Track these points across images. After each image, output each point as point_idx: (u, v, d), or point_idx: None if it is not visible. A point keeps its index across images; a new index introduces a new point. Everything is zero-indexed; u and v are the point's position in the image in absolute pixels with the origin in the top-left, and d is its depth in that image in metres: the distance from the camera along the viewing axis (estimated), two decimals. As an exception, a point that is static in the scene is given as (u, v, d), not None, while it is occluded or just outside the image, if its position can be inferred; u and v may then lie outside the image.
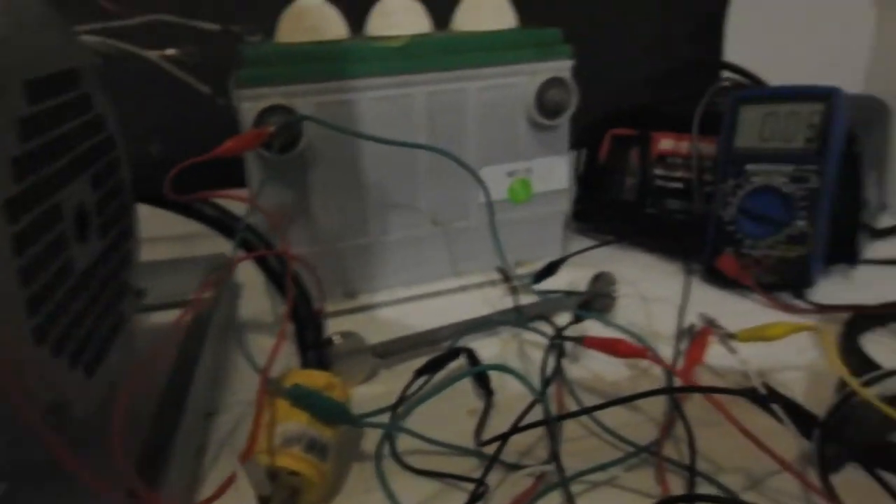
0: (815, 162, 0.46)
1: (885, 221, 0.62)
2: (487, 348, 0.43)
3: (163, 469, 0.29)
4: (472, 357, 0.40)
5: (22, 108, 0.24)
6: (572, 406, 0.37)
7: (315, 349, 0.36)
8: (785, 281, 0.48)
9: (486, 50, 0.47)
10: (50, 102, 0.26)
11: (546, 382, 0.35)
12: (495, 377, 0.39)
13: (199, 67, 0.57)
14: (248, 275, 0.46)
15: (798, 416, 0.33)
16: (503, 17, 0.48)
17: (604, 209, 0.60)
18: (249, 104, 0.42)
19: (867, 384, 0.32)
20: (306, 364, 0.35)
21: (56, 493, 0.30)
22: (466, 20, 0.49)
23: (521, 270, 0.54)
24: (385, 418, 0.36)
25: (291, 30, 0.46)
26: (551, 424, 0.32)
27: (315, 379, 0.33)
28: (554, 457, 0.31)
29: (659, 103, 0.59)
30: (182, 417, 0.33)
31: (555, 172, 0.52)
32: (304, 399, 0.31)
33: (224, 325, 0.47)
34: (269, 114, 0.42)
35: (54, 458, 0.21)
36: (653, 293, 0.51)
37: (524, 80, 0.48)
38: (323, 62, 0.44)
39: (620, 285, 0.52)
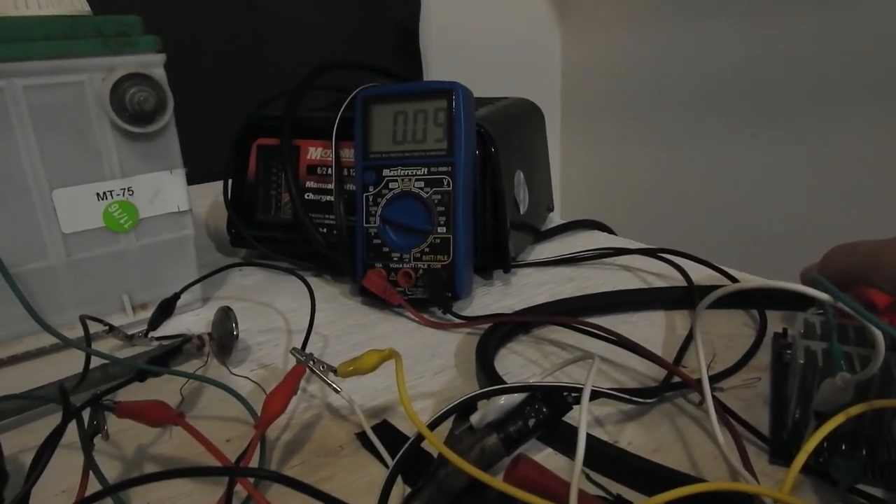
0: (447, 164, 0.43)
1: (555, 223, 0.64)
2: (38, 432, 0.32)
3: None
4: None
5: None
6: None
7: None
8: (433, 294, 0.44)
9: (18, 40, 0.36)
10: None
11: (33, 478, 0.25)
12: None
13: None
14: None
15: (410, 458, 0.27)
16: (62, 2, 0.38)
17: (262, 231, 0.53)
18: None
19: (466, 413, 0.27)
20: None
21: None
22: (5, 3, 0.38)
23: (142, 315, 0.44)
24: None
25: None
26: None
27: None
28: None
29: (310, 110, 0.53)
30: None
31: (169, 190, 0.43)
32: None
33: None
34: None
35: None
36: (302, 324, 0.44)
37: (96, 77, 0.39)
38: None
39: (270, 319, 0.45)
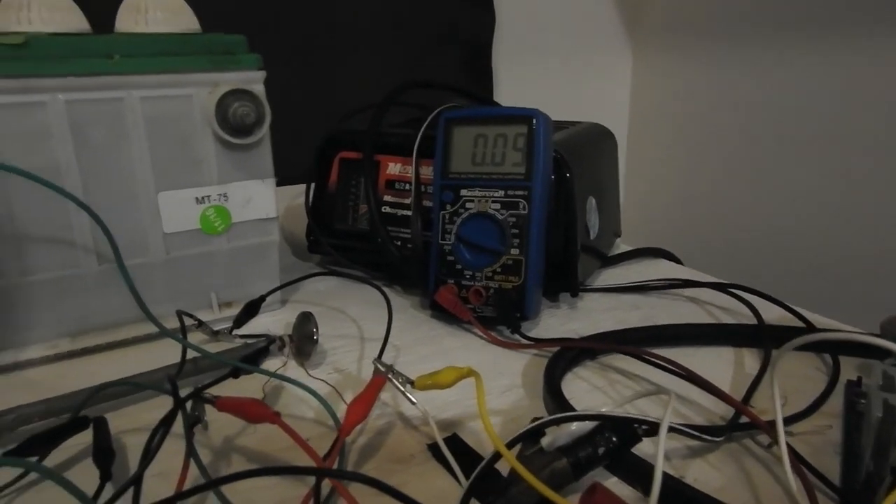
0: (524, 188, 0.45)
1: (621, 249, 0.64)
2: (136, 416, 0.35)
3: None
4: (101, 428, 0.31)
5: None
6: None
7: None
8: (502, 314, 0.45)
9: (143, 55, 0.40)
10: None
11: (145, 462, 0.28)
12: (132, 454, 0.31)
13: None
14: None
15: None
16: (176, 20, 0.42)
17: (338, 240, 0.55)
18: None
19: (536, 435, 0.28)
20: None
21: None
22: (126, 20, 0.41)
23: (227, 313, 0.47)
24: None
25: None
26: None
27: None
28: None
29: (390, 126, 0.56)
30: None
31: (259, 198, 0.46)
32: None
33: None
34: None
35: None
36: (375, 333, 0.46)
37: (203, 91, 0.42)
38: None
39: (342, 325, 0.47)
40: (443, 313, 0.47)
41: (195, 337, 0.45)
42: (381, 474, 0.31)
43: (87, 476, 0.28)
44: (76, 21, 0.41)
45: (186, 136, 0.42)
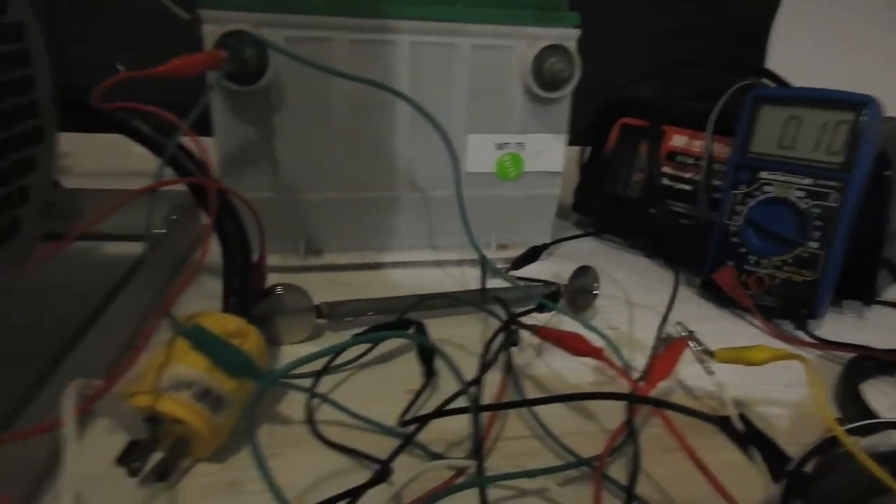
0: (838, 179, 0.41)
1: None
2: (444, 328, 0.40)
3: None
4: (420, 331, 0.36)
5: None
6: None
7: (240, 296, 0.32)
8: (787, 308, 0.43)
9: (481, 6, 0.43)
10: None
11: (484, 368, 0.31)
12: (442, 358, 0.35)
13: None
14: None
15: (773, 457, 0.28)
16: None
17: (605, 204, 0.56)
18: (212, 27, 0.39)
19: (855, 433, 0.27)
20: (227, 309, 0.32)
21: None
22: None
23: (501, 254, 0.50)
24: (303, 384, 0.32)
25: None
26: (476, 414, 0.28)
27: (225, 324, 0.29)
28: (475, 452, 0.27)
29: (676, 96, 0.54)
30: (79, 341, 0.29)
31: (550, 152, 0.48)
32: (203, 343, 0.27)
33: (172, 262, 0.44)
34: (231, 39, 0.39)
35: None
36: (641, 299, 0.47)
37: (522, 44, 0.44)
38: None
39: (607, 286, 0.48)
40: (713, 293, 0.46)
41: (473, 272, 0.49)
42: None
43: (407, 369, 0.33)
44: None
45: (499, 86, 0.45)
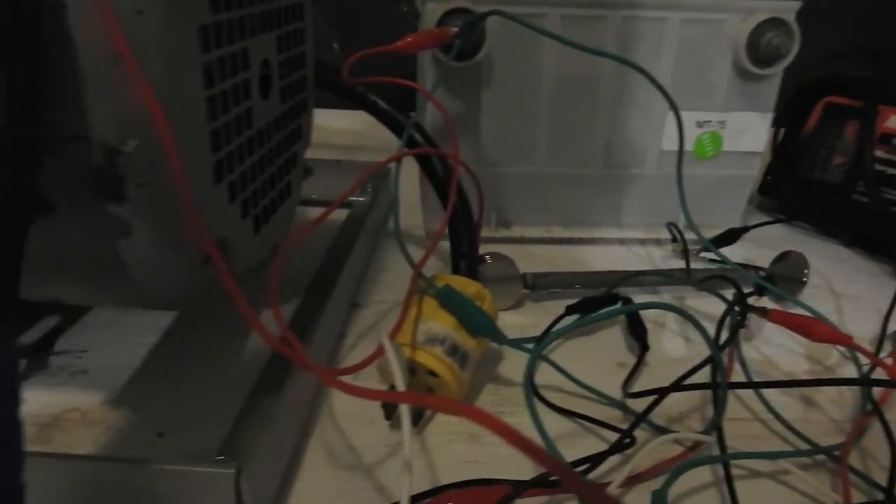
0: None
1: None
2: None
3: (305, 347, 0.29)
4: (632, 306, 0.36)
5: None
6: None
7: (468, 259, 0.34)
8: None
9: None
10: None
11: (722, 346, 0.31)
12: (652, 333, 0.35)
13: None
14: (405, 190, 0.46)
15: None
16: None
17: (799, 187, 0.53)
18: (434, 4, 0.40)
19: None
20: (457, 272, 0.34)
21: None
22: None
23: (690, 234, 0.49)
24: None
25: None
26: (720, 391, 0.28)
27: (466, 286, 0.31)
28: (716, 428, 0.27)
29: (892, 73, 0.50)
30: (328, 302, 0.32)
31: (752, 131, 0.46)
32: (453, 303, 0.29)
33: (376, 228, 0.47)
34: (452, 16, 0.40)
35: (217, 289, 0.21)
36: (846, 290, 0.44)
37: (737, 17, 0.42)
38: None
39: (818, 273, 0.46)
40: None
41: (657, 251, 0.48)
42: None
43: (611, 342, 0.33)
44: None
45: (706, 61, 0.44)
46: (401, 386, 0.24)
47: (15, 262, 0.16)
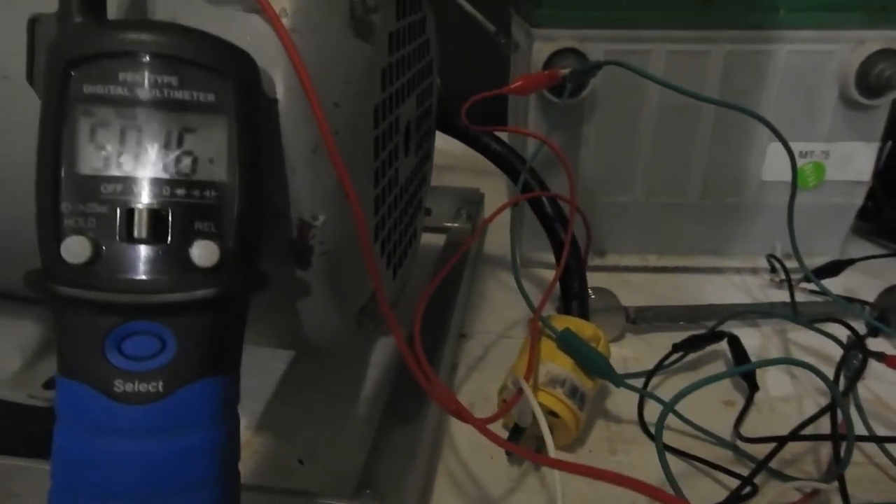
0: None
1: None
2: (747, 339, 0.40)
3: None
4: (735, 344, 0.37)
5: (391, 23, 0.25)
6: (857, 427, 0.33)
7: (581, 300, 0.35)
8: None
9: (803, 10, 0.41)
10: (410, 18, 0.27)
11: (844, 392, 0.31)
12: (759, 373, 0.36)
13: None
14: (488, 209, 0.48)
15: None
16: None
17: (901, 213, 0.52)
18: (541, 45, 0.42)
19: None
20: (568, 312, 0.35)
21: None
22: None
23: (788, 264, 0.48)
24: (636, 385, 0.35)
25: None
26: (843, 441, 0.28)
27: (582, 328, 0.32)
28: (839, 479, 0.28)
29: None
30: (448, 335, 0.34)
31: (857, 160, 0.46)
32: (572, 345, 0.31)
33: (476, 256, 0.48)
34: (559, 56, 0.42)
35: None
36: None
37: (846, 48, 0.42)
38: (619, 9, 0.42)
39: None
40: None
41: (753, 280, 0.48)
42: None
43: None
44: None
45: (811, 91, 0.44)
46: (551, 451, 0.26)
47: (242, 331, 0.19)
